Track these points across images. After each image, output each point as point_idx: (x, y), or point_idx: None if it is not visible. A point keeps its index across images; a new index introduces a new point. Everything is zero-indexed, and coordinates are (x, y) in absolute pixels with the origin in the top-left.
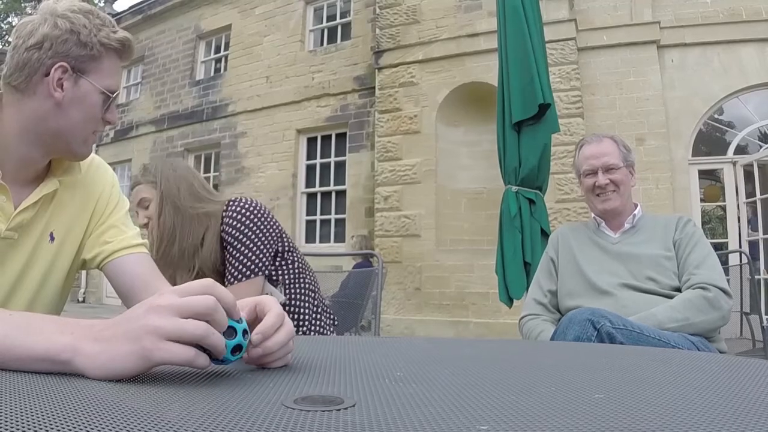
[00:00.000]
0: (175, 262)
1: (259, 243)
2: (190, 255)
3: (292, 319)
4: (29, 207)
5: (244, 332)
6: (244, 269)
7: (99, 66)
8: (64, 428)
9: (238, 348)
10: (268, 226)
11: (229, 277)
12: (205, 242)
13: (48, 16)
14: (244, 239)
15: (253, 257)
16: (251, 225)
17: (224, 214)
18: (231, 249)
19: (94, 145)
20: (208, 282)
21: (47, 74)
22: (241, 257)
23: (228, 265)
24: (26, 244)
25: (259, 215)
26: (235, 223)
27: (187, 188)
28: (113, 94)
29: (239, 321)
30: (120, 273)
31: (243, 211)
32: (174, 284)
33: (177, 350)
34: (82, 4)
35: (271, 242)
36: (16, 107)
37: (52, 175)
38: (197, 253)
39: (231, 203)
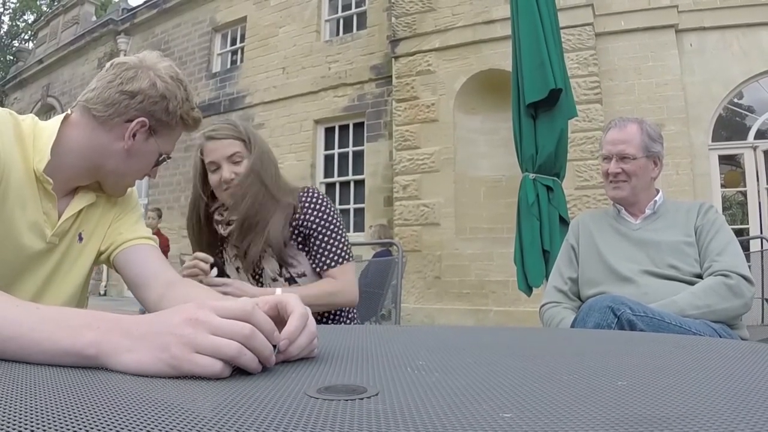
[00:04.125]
0: (253, 230)
1: (343, 229)
2: (261, 229)
3: (344, 309)
4: (71, 216)
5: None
6: (343, 253)
7: (169, 133)
8: (91, 421)
9: None
10: (339, 216)
11: (330, 262)
12: (271, 225)
13: (150, 73)
14: (333, 227)
15: (345, 241)
16: (334, 213)
17: (304, 203)
18: (323, 236)
19: None
20: (248, 308)
21: (128, 121)
22: (338, 243)
23: (323, 251)
24: (61, 246)
25: (333, 206)
26: (321, 210)
27: (276, 172)
28: (168, 158)
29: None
30: (130, 262)
31: (323, 201)
32: (245, 254)
33: (205, 363)
34: (178, 72)
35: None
36: (86, 132)
37: (89, 188)
38: (264, 230)
39: (308, 193)
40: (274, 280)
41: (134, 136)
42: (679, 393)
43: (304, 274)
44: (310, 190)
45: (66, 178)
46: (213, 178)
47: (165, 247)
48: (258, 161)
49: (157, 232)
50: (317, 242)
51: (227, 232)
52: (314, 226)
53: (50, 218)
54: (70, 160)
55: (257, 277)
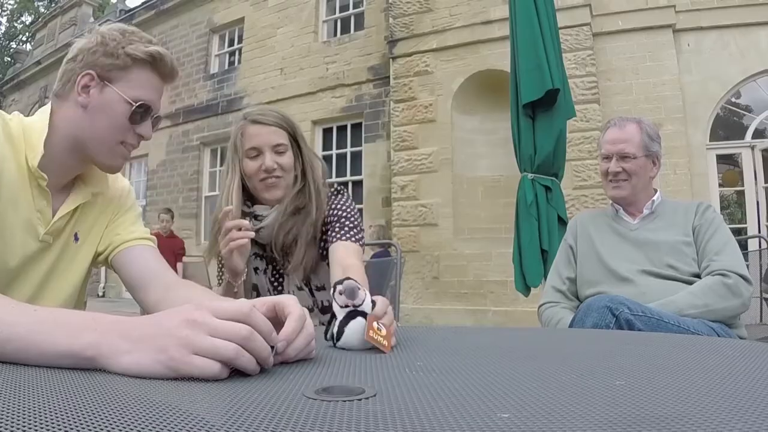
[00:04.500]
0: (302, 230)
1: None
2: (304, 234)
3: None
4: (66, 214)
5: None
6: (360, 237)
7: (126, 76)
8: (89, 423)
9: None
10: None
11: (343, 237)
12: (309, 235)
13: (88, 34)
14: (354, 220)
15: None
16: (356, 212)
17: (331, 205)
18: (342, 224)
19: None
20: (246, 309)
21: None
22: (358, 229)
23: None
24: (56, 245)
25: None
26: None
27: (321, 171)
28: (137, 103)
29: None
30: (129, 263)
31: (350, 203)
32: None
33: (203, 365)
34: (126, 27)
35: None
36: (57, 114)
37: (84, 185)
38: (305, 236)
39: (336, 193)
40: (300, 288)
41: (88, 92)
42: (677, 392)
43: (323, 287)
44: (337, 191)
45: (59, 171)
46: (251, 165)
47: (180, 250)
48: (308, 159)
49: (171, 235)
50: (336, 229)
51: (257, 227)
52: (334, 219)
53: (44, 216)
54: (58, 149)
55: (276, 284)
